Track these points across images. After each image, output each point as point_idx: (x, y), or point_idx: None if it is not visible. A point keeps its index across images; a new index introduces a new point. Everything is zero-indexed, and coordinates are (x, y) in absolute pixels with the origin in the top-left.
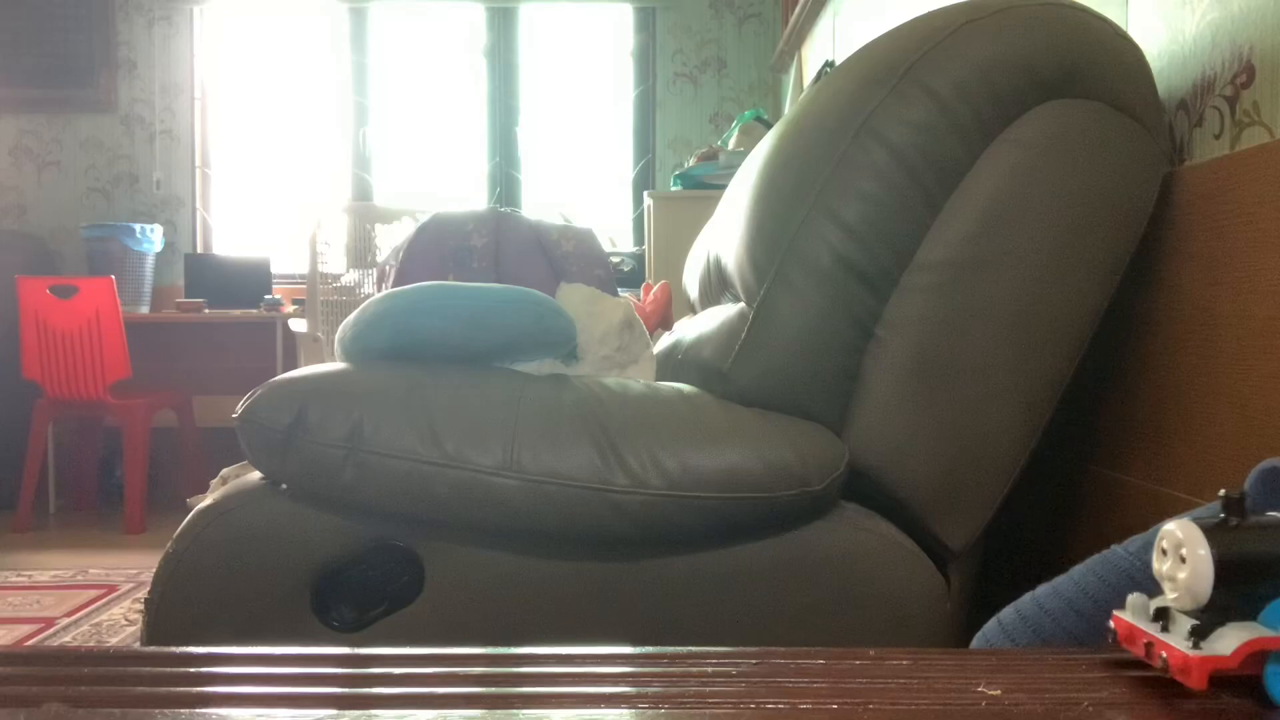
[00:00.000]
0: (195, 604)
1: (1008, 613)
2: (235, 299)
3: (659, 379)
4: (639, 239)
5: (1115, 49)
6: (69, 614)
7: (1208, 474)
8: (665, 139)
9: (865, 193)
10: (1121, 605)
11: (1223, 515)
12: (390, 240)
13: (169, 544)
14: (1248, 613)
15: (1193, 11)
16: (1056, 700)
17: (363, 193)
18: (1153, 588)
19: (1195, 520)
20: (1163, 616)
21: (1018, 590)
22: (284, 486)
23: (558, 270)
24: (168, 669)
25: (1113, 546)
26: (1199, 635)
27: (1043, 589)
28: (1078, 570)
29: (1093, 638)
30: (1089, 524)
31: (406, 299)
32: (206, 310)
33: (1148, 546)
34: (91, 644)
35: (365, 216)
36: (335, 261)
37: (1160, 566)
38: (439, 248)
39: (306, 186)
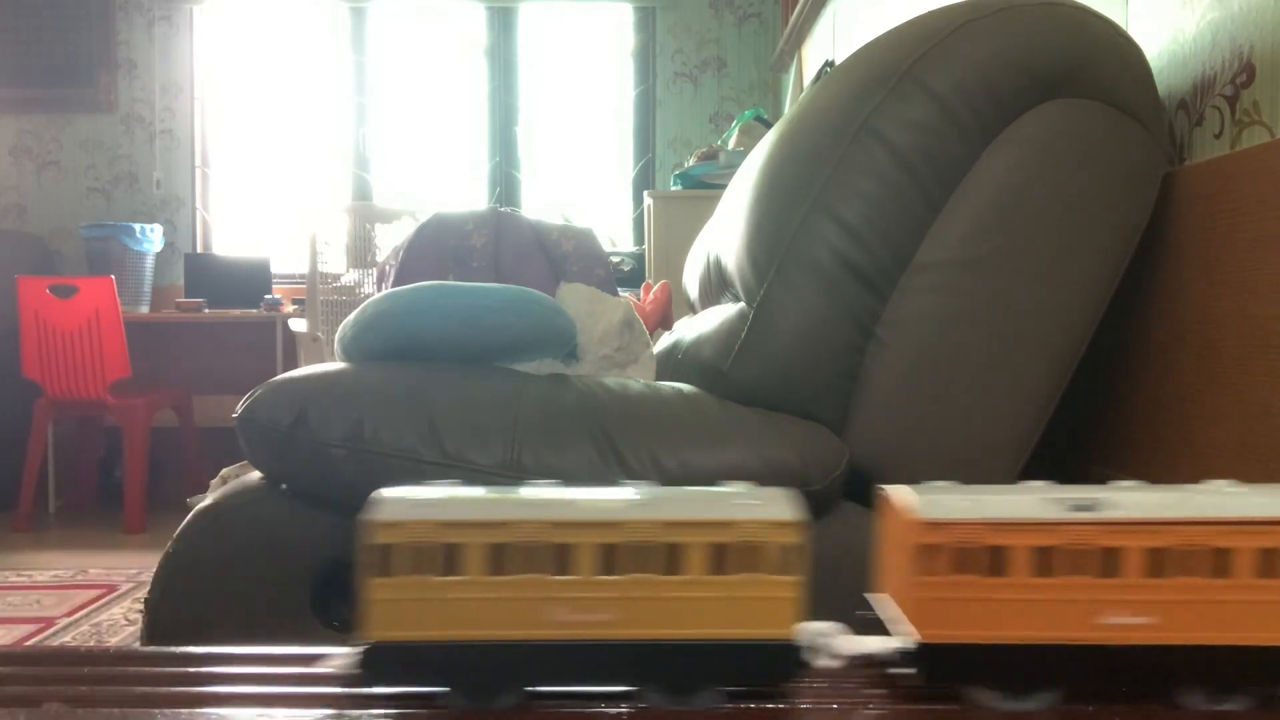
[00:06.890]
0: (195, 604)
1: None
2: (235, 299)
3: (659, 379)
4: (639, 239)
5: (1115, 48)
6: (69, 614)
7: (1208, 474)
8: (665, 139)
9: (865, 193)
10: None
11: None
12: (390, 240)
13: (169, 544)
14: None
15: (1193, 11)
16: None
17: (363, 193)
18: None
19: None
20: None
21: None
22: (284, 486)
23: (558, 270)
24: (168, 669)
25: None
26: None
27: None
28: None
29: None
30: None
31: (406, 299)
32: (206, 310)
33: None
34: (91, 644)
35: (365, 216)
36: (335, 261)
37: None
38: (439, 247)
39: (306, 186)
